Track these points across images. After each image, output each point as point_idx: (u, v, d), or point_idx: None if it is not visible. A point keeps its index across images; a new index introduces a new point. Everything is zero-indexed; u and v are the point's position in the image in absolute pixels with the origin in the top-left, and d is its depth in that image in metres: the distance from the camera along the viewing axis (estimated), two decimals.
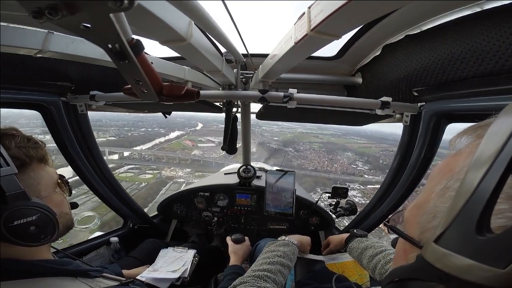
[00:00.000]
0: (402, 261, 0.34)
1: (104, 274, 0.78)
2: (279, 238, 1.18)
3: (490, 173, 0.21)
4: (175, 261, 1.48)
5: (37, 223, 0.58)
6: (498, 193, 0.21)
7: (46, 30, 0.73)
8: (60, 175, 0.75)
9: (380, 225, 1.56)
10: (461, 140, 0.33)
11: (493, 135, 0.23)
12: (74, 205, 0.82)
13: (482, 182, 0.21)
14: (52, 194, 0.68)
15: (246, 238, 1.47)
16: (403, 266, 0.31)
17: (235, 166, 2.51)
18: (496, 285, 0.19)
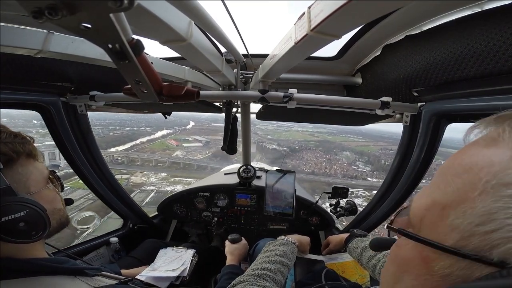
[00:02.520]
0: (422, 272, 0.30)
1: (103, 272, 0.78)
2: (278, 238, 1.18)
3: None
4: (174, 260, 1.48)
5: (26, 219, 0.57)
6: None
7: (46, 30, 0.73)
8: (51, 170, 0.74)
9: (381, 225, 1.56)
10: (474, 131, 0.32)
11: None
12: (69, 201, 0.81)
13: None
14: (43, 190, 0.67)
15: (243, 238, 1.47)
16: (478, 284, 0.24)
17: (235, 166, 2.51)
18: None
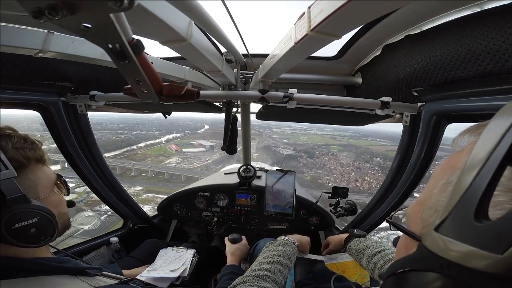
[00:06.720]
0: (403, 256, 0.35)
1: (104, 272, 0.78)
2: (278, 238, 1.18)
3: (487, 165, 0.22)
4: (174, 260, 1.48)
5: (37, 225, 0.58)
6: (495, 183, 0.22)
7: (46, 30, 0.73)
8: (57, 174, 0.75)
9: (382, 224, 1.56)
10: (463, 139, 0.34)
11: (490, 131, 0.24)
12: (71, 204, 0.81)
13: (480, 173, 0.22)
14: (51, 195, 0.68)
15: (243, 237, 1.47)
16: (404, 257, 0.32)
17: (235, 166, 2.51)
18: (495, 271, 0.19)
